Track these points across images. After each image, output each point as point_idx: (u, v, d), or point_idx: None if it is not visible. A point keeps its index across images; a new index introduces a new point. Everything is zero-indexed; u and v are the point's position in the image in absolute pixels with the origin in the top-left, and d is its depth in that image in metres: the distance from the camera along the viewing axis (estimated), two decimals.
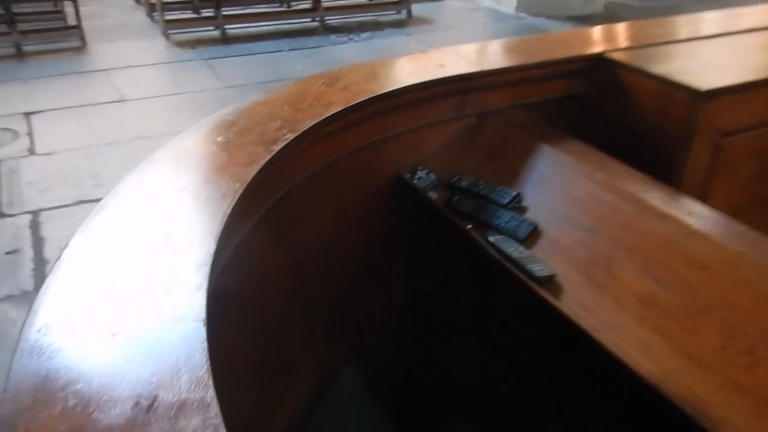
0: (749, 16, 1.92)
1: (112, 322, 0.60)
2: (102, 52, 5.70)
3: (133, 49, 5.81)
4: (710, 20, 1.92)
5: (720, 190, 1.47)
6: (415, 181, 1.30)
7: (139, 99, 4.74)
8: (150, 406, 0.50)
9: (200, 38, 6.10)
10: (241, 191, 0.82)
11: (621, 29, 1.83)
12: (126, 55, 5.62)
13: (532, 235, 1.11)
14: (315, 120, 1.05)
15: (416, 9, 7.03)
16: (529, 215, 1.16)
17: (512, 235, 1.10)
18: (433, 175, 1.31)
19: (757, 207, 1.57)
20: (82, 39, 5.77)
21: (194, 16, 6.53)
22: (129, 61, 5.47)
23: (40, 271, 2.91)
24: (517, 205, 1.18)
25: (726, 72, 1.44)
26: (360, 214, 1.31)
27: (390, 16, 6.87)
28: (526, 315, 1.25)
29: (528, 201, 1.20)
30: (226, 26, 6.19)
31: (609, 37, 1.68)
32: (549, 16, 6.90)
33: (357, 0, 7.20)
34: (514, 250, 1.06)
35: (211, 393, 0.51)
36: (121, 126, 4.25)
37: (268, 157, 0.91)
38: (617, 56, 1.48)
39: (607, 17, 6.66)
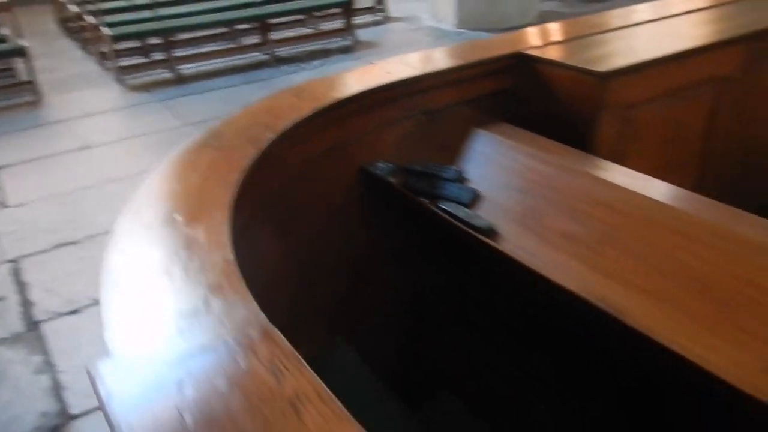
0: (648, 11, 2.24)
1: (164, 264, 0.82)
2: (58, 103, 5.83)
3: (89, 98, 5.95)
4: (614, 16, 2.22)
5: (634, 157, 1.74)
6: (377, 171, 1.53)
7: (103, 144, 4.89)
8: (207, 307, 0.72)
9: (154, 81, 6.28)
10: (240, 179, 1.04)
11: (540, 30, 2.12)
12: (83, 104, 5.76)
13: (475, 200, 1.36)
14: (291, 123, 1.28)
15: (362, 34, 7.35)
16: (472, 185, 1.41)
17: (459, 201, 1.35)
18: (391, 165, 1.54)
19: (669, 170, 1.85)
20: (37, 93, 5.89)
21: (145, 60, 6.71)
22: (87, 110, 5.61)
23: (28, 313, 3.04)
24: (461, 178, 1.43)
25: (624, 56, 1.72)
26: (337, 205, 1.53)
27: (337, 43, 7.16)
28: (494, 286, 1.48)
29: (470, 175, 1.45)
30: (179, 67, 6.38)
31: (529, 37, 1.95)
32: (488, 30, 7.25)
33: (304, 31, 7.49)
34: (461, 212, 1.31)
35: (248, 295, 0.73)
36: (90, 171, 4.40)
37: (257, 153, 1.14)
38: (534, 52, 1.76)
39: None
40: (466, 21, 7.45)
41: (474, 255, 1.34)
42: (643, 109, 1.69)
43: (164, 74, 6.37)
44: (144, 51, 6.82)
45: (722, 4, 2.25)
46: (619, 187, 1.27)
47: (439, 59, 1.74)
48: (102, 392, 0.60)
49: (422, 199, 1.39)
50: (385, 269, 1.65)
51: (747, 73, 1.90)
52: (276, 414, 0.59)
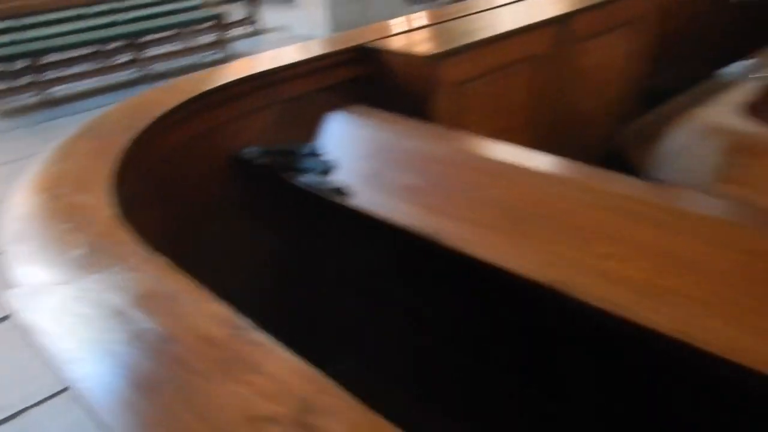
0: (486, 2, 2.57)
1: (56, 222, 0.98)
2: None
3: None
4: (455, 8, 2.53)
5: (471, 127, 2.04)
6: (244, 156, 1.73)
7: None
8: (97, 247, 0.90)
9: (23, 105, 6.08)
10: (119, 158, 1.21)
11: (383, 25, 2.39)
12: None
13: (331, 169, 1.59)
14: (161, 112, 1.45)
15: (236, 46, 7.45)
16: (328, 158, 1.64)
17: (317, 172, 1.57)
18: (257, 149, 1.74)
19: (502, 136, 2.16)
20: None
21: (11, 85, 6.47)
22: None
23: None
24: (317, 153, 1.66)
25: (453, 41, 2.01)
26: (212, 187, 1.71)
27: (211, 56, 7.22)
28: (354, 240, 1.71)
29: (328, 149, 1.68)
30: (49, 90, 6.22)
31: (374, 32, 2.21)
32: None
33: (177, 46, 7.48)
34: (319, 181, 1.53)
35: (133, 236, 0.91)
36: None
37: (131, 138, 1.30)
38: (377, 44, 2.02)
39: None
40: (338, 27, 7.73)
41: (336, 215, 1.56)
42: (472, 84, 2.00)
43: (33, 98, 6.18)
44: (10, 75, 6.57)
45: None
46: (448, 144, 1.54)
47: (295, 53, 1.96)
48: (16, 306, 0.76)
49: (284, 174, 1.61)
50: (257, 242, 1.85)
51: (557, 50, 2.26)
52: (158, 304, 0.77)
